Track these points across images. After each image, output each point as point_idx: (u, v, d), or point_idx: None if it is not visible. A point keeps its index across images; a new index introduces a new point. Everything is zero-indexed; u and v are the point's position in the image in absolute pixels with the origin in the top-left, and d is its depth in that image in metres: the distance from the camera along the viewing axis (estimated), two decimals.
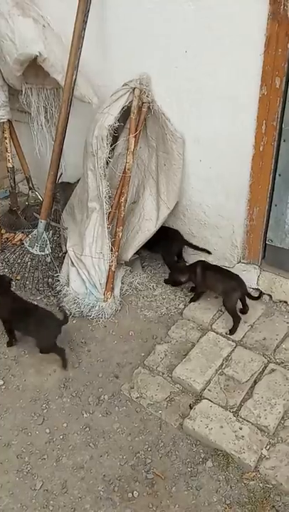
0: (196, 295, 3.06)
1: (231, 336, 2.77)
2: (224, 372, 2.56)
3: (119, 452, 2.28)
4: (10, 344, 2.86)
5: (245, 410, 2.36)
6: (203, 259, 3.13)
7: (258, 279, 3.03)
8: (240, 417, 2.33)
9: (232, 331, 2.79)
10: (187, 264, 3.24)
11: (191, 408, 2.42)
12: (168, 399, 2.50)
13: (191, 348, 2.73)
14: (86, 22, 2.79)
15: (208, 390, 2.48)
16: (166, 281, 3.23)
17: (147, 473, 2.19)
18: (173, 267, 3.23)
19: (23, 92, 3.27)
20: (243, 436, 2.24)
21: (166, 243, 3.23)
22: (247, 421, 2.31)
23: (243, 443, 2.22)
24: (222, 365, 2.61)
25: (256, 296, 2.94)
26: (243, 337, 2.77)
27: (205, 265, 2.99)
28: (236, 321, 2.80)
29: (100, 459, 2.26)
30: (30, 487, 2.14)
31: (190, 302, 3.06)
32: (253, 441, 2.23)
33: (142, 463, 2.24)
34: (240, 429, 2.27)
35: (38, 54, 2.85)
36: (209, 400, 2.42)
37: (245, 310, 2.89)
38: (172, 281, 3.16)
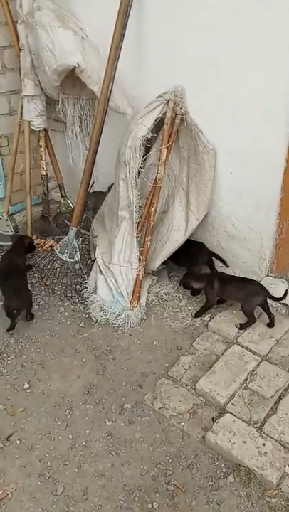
0: (203, 308, 3.06)
1: (257, 350, 2.75)
2: (249, 386, 2.53)
3: (141, 462, 2.28)
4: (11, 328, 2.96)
5: (268, 426, 2.33)
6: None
7: (285, 294, 2.99)
8: (264, 433, 2.30)
9: (242, 326, 2.88)
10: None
11: (214, 421, 2.40)
12: (191, 411, 2.49)
13: (215, 361, 2.71)
14: (124, 35, 2.85)
15: (232, 404, 2.46)
16: (179, 282, 3.23)
17: (168, 485, 2.18)
18: (189, 270, 3.17)
19: (60, 101, 3.36)
20: (266, 453, 2.21)
21: (191, 256, 3.21)
22: (270, 437, 2.28)
23: (265, 459, 2.18)
24: (247, 379, 2.58)
25: (280, 297, 2.93)
26: (269, 352, 2.74)
27: (221, 277, 3.03)
28: (252, 322, 2.88)
29: (121, 467, 2.26)
30: (51, 492, 2.16)
31: (195, 317, 3.06)
32: (276, 458, 2.19)
33: (163, 474, 2.23)
34: (264, 445, 2.24)
35: (76, 65, 2.92)
36: (233, 414, 2.40)
37: (271, 320, 2.89)
38: (184, 284, 3.15)
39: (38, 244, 3.62)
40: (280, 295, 2.95)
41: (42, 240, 3.67)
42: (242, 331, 2.87)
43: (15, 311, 2.96)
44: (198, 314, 3.06)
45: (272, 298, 2.90)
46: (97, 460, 2.29)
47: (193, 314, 3.09)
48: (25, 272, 3.30)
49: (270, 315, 2.89)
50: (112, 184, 3.41)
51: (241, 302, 2.91)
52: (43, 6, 3.03)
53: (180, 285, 3.20)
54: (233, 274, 3.19)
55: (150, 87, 2.98)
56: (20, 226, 3.93)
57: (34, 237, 3.72)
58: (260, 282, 2.95)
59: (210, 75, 2.74)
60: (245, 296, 2.87)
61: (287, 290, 2.94)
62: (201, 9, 2.63)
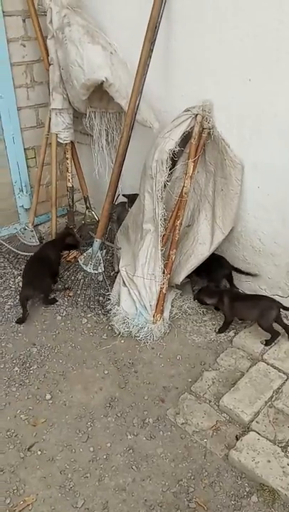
0: (225, 324, 3.04)
1: (283, 368, 2.69)
2: (274, 404, 2.48)
3: (162, 478, 2.25)
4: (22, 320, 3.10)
5: None
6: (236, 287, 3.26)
7: None
8: None
9: (268, 342, 2.86)
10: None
11: (237, 439, 2.35)
12: (214, 428, 2.45)
13: (240, 378, 2.67)
14: (152, 50, 2.88)
15: (257, 422, 2.41)
16: (194, 297, 3.24)
17: (189, 502, 2.14)
18: (204, 287, 3.18)
19: (87, 115, 3.40)
20: None
21: (212, 270, 3.21)
22: None
23: None
24: (272, 397, 2.53)
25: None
26: None
27: (232, 295, 3.02)
28: (275, 336, 2.86)
29: (142, 482, 2.23)
30: (71, 504, 2.14)
31: (218, 332, 3.04)
32: None
33: (185, 491, 2.19)
34: None
35: (104, 79, 2.96)
36: (257, 433, 2.35)
37: (288, 331, 2.88)
38: (198, 299, 3.16)
39: (62, 255, 3.64)
40: None
41: (66, 252, 3.69)
42: (267, 348, 2.83)
43: (27, 301, 3.12)
44: (221, 330, 3.03)
45: (285, 308, 2.88)
46: (118, 474, 2.27)
47: (216, 329, 3.06)
48: (53, 264, 3.40)
49: (285, 327, 2.87)
50: (131, 194, 3.44)
51: (258, 320, 2.88)
52: (73, 21, 3.09)
53: (194, 300, 3.21)
54: (245, 293, 3.24)
55: (177, 101, 3.01)
56: (44, 237, 3.97)
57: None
58: (270, 296, 3.02)
59: (238, 89, 2.74)
60: (260, 313, 2.85)
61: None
62: (228, 25, 2.64)
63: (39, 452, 2.37)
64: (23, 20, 3.43)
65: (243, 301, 3.01)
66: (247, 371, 2.71)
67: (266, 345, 2.85)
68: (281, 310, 2.87)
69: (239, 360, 2.82)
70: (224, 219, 2.99)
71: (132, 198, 3.42)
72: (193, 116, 2.84)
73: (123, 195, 3.52)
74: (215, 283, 3.21)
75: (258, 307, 2.87)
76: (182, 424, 2.48)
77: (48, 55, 3.36)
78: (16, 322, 3.11)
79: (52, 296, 3.34)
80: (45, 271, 3.27)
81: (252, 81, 2.67)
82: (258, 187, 2.90)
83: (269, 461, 2.20)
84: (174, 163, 3.00)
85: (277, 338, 2.89)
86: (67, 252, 3.66)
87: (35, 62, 3.60)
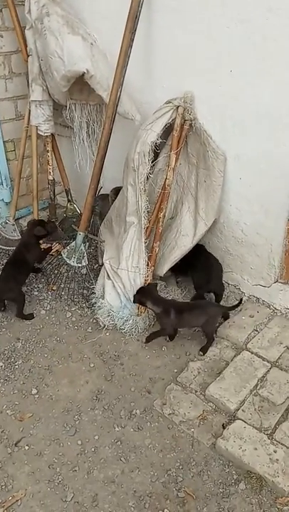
0: (156, 334, 2.92)
1: (266, 357, 2.74)
2: (259, 393, 2.52)
3: (151, 468, 2.27)
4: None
5: (280, 433, 2.31)
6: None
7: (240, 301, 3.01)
8: (275, 440, 2.29)
9: (204, 349, 2.84)
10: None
11: (224, 428, 2.38)
12: (201, 417, 2.48)
13: (225, 367, 2.70)
14: (133, 41, 2.85)
15: (242, 410, 2.44)
16: (133, 299, 2.95)
17: (178, 492, 2.16)
18: (144, 288, 2.95)
19: (68, 107, 3.36)
20: (277, 460, 2.19)
21: (202, 276, 3.14)
22: (282, 444, 2.27)
23: (277, 466, 2.17)
24: (257, 385, 2.57)
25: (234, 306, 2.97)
26: (279, 358, 2.73)
27: (178, 308, 2.85)
28: (211, 342, 2.86)
29: (131, 474, 2.25)
30: (61, 498, 2.14)
31: (146, 342, 2.91)
32: (287, 465, 2.18)
33: (173, 481, 2.21)
34: (275, 452, 2.23)
35: (85, 71, 2.92)
36: (243, 421, 2.39)
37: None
38: (139, 302, 2.93)
39: (45, 248, 3.60)
40: None
41: (48, 245, 3.65)
42: (252, 337, 2.86)
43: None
44: (148, 339, 2.90)
45: (229, 308, 2.97)
46: (106, 466, 2.28)
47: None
48: (29, 264, 3.27)
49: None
50: (115, 188, 3.42)
51: (203, 326, 2.84)
52: (52, 11, 3.04)
53: (133, 302, 2.94)
54: (186, 301, 3.18)
55: (159, 93, 3.00)
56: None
57: (41, 241, 3.68)
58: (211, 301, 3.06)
59: (220, 81, 2.74)
60: (207, 320, 2.81)
61: (241, 298, 3.08)
62: (211, 16, 2.64)
63: (27, 447, 2.36)
64: (0, 10, 3.35)
65: (190, 311, 2.88)
66: (232, 360, 2.75)
67: (204, 353, 2.82)
68: None
69: (224, 349, 2.85)
70: (207, 210, 3.01)
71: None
72: (175, 108, 2.83)
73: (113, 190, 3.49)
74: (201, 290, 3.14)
75: (205, 314, 2.81)
76: (169, 414, 2.50)
77: (26, 46, 3.30)
78: None
79: (35, 293, 3.33)
80: (18, 278, 3.15)
81: (233, 72, 2.67)
82: (240, 178, 2.92)
83: (256, 449, 2.24)
84: (156, 155, 2.99)
85: (261, 327, 2.93)
86: (45, 244, 3.55)
87: (13, 53, 3.52)
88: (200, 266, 3.15)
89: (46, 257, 3.43)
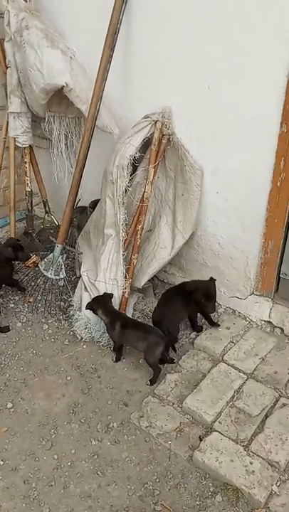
0: (116, 351, 2.92)
1: (243, 368, 2.76)
2: (235, 404, 2.54)
3: (128, 482, 2.26)
4: None
5: (256, 445, 2.33)
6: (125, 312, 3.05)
7: (270, 312, 3.03)
8: (251, 452, 2.30)
9: (152, 381, 2.74)
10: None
11: (201, 440, 2.39)
12: (178, 429, 2.48)
13: (202, 379, 2.71)
14: (112, 56, 2.89)
15: (219, 422, 2.46)
16: (86, 305, 2.94)
17: (155, 505, 2.16)
18: (99, 297, 2.94)
19: (46, 119, 3.37)
20: (253, 471, 2.21)
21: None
22: (258, 455, 2.28)
23: (253, 478, 2.19)
24: (233, 397, 2.59)
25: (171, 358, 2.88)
26: (255, 370, 2.76)
27: (125, 321, 2.83)
28: (158, 372, 2.74)
29: (107, 487, 2.23)
30: None
31: (116, 361, 2.90)
32: (263, 476, 2.19)
33: (150, 494, 2.20)
34: (251, 463, 2.25)
35: (64, 85, 2.94)
36: (220, 433, 2.40)
37: (167, 362, 2.83)
38: (91, 309, 2.91)
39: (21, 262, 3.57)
40: (265, 314, 3.00)
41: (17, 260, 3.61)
42: (228, 349, 2.89)
43: None
44: (117, 358, 2.91)
45: (172, 343, 2.90)
46: (83, 481, 2.26)
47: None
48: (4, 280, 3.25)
49: (166, 358, 2.82)
50: (94, 201, 3.43)
51: (144, 353, 2.74)
52: (31, 25, 3.06)
53: (86, 308, 2.93)
54: (138, 321, 3.05)
55: (137, 107, 3.03)
56: (2, 241, 3.88)
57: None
58: (158, 330, 2.80)
59: (197, 97, 2.79)
60: (147, 347, 2.70)
61: (217, 321, 3.10)
62: (189, 33, 2.69)
63: (1, 462, 2.33)
64: None
65: (134, 330, 2.79)
66: (208, 372, 2.76)
67: (151, 384, 2.73)
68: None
69: (201, 361, 2.86)
70: (185, 224, 3.04)
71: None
72: (153, 122, 2.87)
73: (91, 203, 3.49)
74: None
75: (146, 340, 2.71)
76: (146, 427, 2.50)
77: (5, 58, 3.31)
78: None
79: (11, 305, 3.30)
80: None
81: (211, 88, 2.73)
82: (217, 192, 2.97)
83: (232, 461, 2.25)
84: (134, 168, 3.02)
85: (237, 339, 2.96)
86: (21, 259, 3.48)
87: None
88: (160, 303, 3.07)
89: (11, 274, 3.36)
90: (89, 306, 2.89)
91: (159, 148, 2.93)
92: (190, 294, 2.93)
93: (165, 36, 2.80)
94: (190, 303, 2.95)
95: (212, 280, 2.99)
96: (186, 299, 2.94)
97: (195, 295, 2.91)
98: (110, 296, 2.95)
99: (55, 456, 2.36)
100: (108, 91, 2.99)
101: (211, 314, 3.07)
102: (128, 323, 2.84)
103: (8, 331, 3.10)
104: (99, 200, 3.17)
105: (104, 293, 2.96)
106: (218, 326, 3.06)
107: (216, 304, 3.11)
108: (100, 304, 2.88)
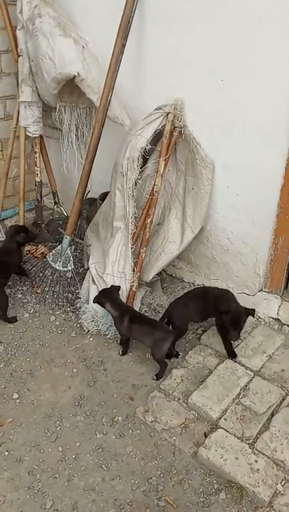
0: (123, 345, 2.92)
1: (249, 366, 2.74)
2: (241, 402, 2.53)
3: (132, 476, 2.25)
4: None
5: (261, 443, 2.32)
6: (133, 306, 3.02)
7: (278, 309, 3.01)
8: (256, 450, 2.29)
9: (158, 376, 2.73)
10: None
11: (206, 436, 2.38)
12: (183, 425, 2.47)
13: (208, 375, 2.70)
14: (125, 46, 2.85)
15: (225, 419, 2.45)
16: (94, 299, 2.92)
17: (159, 501, 2.15)
18: (106, 290, 2.91)
19: (57, 109, 3.34)
20: (258, 470, 2.20)
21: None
22: (263, 454, 2.27)
23: (258, 476, 2.17)
24: (239, 394, 2.58)
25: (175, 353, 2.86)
26: (262, 367, 2.74)
27: (132, 316, 2.80)
28: (164, 367, 2.73)
29: (111, 481, 2.23)
30: (40, 506, 2.12)
31: (122, 355, 2.90)
32: (268, 475, 2.18)
33: (154, 489, 2.20)
34: (256, 461, 2.23)
35: (76, 74, 2.91)
36: (225, 430, 2.39)
37: (172, 354, 2.82)
38: (98, 303, 2.89)
39: (30, 250, 3.57)
40: (273, 311, 2.97)
41: (33, 247, 3.63)
42: (235, 346, 2.87)
43: None
44: (123, 351, 2.91)
45: (174, 341, 2.82)
46: (87, 474, 2.26)
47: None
48: (8, 269, 3.23)
49: (172, 352, 2.80)
50: (104, 193, 3.41)
51: (151, 348, 2.73)
52: (44, 13, 3.02)
53: (93, 302, 2.90)
54: (146, 316, 2.97)
55: (149, 99, 3.00)
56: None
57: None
58: (165, 325, 2.84)
59: (210, 89, 2.75)
60: (154, 342, 2.68)
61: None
62: (203, 25, 2.64)
63: (6, 453, 2.33)
64: None
65: (141, 324, 2.76)
66: (215, 368, 2.75)
67: (156, 379, 2.72)
68: None
69: (207, 357, 2.85)
70: (195, 218, 3.01)
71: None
72: (165, 114, 2.83)
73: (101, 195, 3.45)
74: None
75: (153, 335, 2.69)
76: (151, 422, 2.49)
77: (17, 46, 3.28)
78: None
79: (18, 296, 3.30)
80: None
81: (224, 82, 2.69)
82: (227, 187, 2.93)
83: (237, 458, 2.24)
84: (145, 161, 2.99)
85: (245, 336, 2.94)
86: (31, 246, 3.54)
87: (3, 53, 3.50)
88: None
89: (22, 262, 3.38)
90: (96, 300, 2.88)
91: (170, 140, 2.89)
92: (218, 309, 2.79)
93: (178, 27, 2.75)
94: (211, 314, 2.88)
95: (246, 310, 2.78)
96: (210, 306, 2.85)
97: (224, 316, 2.74)
98: (117, 289, 2.93)
99: (60, 448, 2.36)
100: (120, 82, 2.95)
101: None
102: (136, 317, 2.82)
103: (16, 321, 3.11)
104: (109, 192, 3.14)
105: (112, 286, 2.94)
106: (236, 356, 2.79)
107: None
108: (108, 297, 2.87)
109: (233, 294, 2.89)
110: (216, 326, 2.91)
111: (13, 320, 3.09)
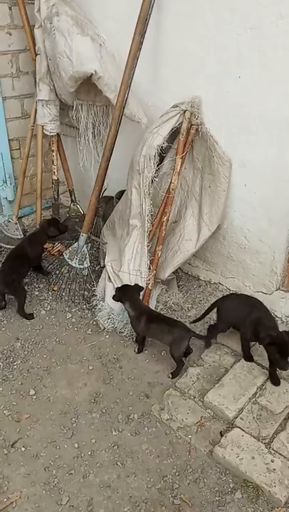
0: (139, 342, 2.91)
1: (266, 365, 2.71)
2: (258, 401, 2.51)
3: (147, 474, 2.26)
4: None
5: (277, 442, 2.30)
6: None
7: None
8: (273, 449, 2.27)
9: (175, 374, 2.72)
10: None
11: (222, 435, 2.37)
12: (198, 424, 2.46)
13: (224, 374, 2.69)
14: (142, 43, 2.84)
15: (241, 418, 2.43)
16: (113, 296, 2.92)
17: (174, 499, 2.15)
18: (123, 287, 2.92)
19: (74, 107, 3.35)
20: (274, 470, 2.18)
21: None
22: (279, 454, 2.25)
23: (274, 476, 2.16)
24: (255, 393, 2.56)
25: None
26: None
27: (150, 317, 2.79)
28: (181, 366, 2.73)
29: (127, 479, 2.24)
30: (56, 501, 2.13)
31: (138, 352, 2.89)
32: (284, 475, 2.16)
33: (170, 487, 2.20)
34: (272, 461, 2.22)
35: (93, 72, 2.91)
36: (241, 429, 2.37)
37: (189, 352, 2.81)
38: (119, 299, 2.90)
39: (47, 248, 3.60)
40: None
41: (50, 245, 3.65)
42: (251, 345, 2.84)
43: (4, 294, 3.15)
44: (138, 349, 2.90)
45: (198, 336, 2.78)
46: (102, 470, 2.27)
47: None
48: (31, 261, 3.29)
49: (190, 352, 2.81)
50: (120, 191, 3.41)
51: (170, 347, 2.71)
52: (62, 11, 3.03)
53: (113, 298, 2.92)
54: (163, 315, 2.94)
55: (166, 96, 2.99)
56: (28, 230, 3.92)
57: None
58: (184, 324, 2.80)
59: (227, 87, 2.74)
60: (173, 341, 2.68)
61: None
62: (221, 22, 2.63)
63: (23, 448, 2.35)
64: (10, 8, 3.35)
65: (158, 324, 2.76)
66: (231, 367, 2.73)
67: (172, 377, 2.71)
68: None
69: (223, 356, 2.84)
70: (211, 216, 3.00)
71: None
72: (182, 112, 2.82)
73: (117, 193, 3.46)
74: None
75: (171, 334, 2.68)
76: (167, 420, 2.49)
77: (34, 45, 3.30)
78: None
79: (35, 293, 3.33)
80: (19, 271, 3.16)
81: (241, 79, 2.66)
82: (245, 185, 2.91)
83: (253, 458, 2.23)
84: (161, 158, 2.99)
85: None
86: (48, 244, 3.58)
87: (21, 52, 3.53)
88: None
89: (42, 254, 3.44)
90: (117, 298, 2.88)
91: (187, 138, 2.88)
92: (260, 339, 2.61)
93: (196, 25, 2.74)
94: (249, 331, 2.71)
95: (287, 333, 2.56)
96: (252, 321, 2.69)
97: (270, 347, 2.55)
98: (139, 289, 2.92)
99: (76, 445, 2.38)
100: (137, 79, 2.95)
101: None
102: (153, 317, 2.82)
103: (33, 318, 3.13)
104: (125, 190, 3.15)
105: (136, 284, 2.94)
106: (279, 384, 2.62)
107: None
108: (128, 296, 2.86)
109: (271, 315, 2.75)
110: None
111: (29, 317, 3.12)
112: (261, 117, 2.67)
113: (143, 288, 2.95)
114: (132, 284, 2.95)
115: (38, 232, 3.37)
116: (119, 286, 2.94)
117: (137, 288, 2.91)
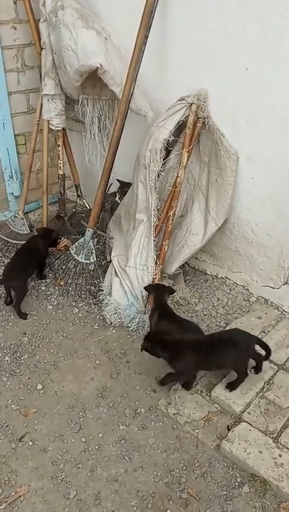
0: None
1: (274, 359, 2.70)
2: (265, 396, 2.50)
3: (154, 468, 2.26)
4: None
5: (285, 437, 2.29)
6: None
7: None
8: (280, 444, 2.27)
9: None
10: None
11: (229, 430, 2.37)
12: (206, 418, 2.46)
13: None
14: (147, 37, 2.82)
15: (248, 412, 2.42)
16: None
17: (182, 493, 2.15)
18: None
19: (80, 101, 3.34)
20: (282, 464, 2.17)
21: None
22: (287, 448, 2.24)
23: (282, 471, 2.15)
24: (263, 388, 2.55)
25: None
26: (286, 361, 2.70)
27: (170, 320, 2.72)
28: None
29: (134, 473, 2.24)
30: (64, 495, 2.14)
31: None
32: None
33: (177, 481, 2.20)
34: (280, 456, 2.21)
35: (99, 66, 2.90)
36: (248, 423, 2.37)
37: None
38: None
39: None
40: None
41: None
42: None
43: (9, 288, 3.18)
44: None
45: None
46: (110, 464, 2.27)
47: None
48: (38, 260, 3.33)
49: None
50: (119, 188, 3.40)
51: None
52: (67, 5, 3.01)
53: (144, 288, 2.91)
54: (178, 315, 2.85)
55: (172, 90, 2.97)
56: (34, 225, 3.92)
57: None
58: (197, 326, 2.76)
59: (234, 79, 2.71)
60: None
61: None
62: (228, 13, 2.60)
63: (31, 443, 2.36)
64: (14, 2, 3.34)
65: (176, 326, 2.66)
66: None
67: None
68: None
69: None
70: (218, 210, 2.98)
71: (124, 184, 3.38)
72: (188, 105, 2.80)
73: (117, 179, 3.46)
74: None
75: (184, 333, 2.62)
76: (174, 414, 2.49)
77: (40, 39, 3.29)
78: (5, 302, 3.19)
79: (42, 288, 3.34)
80: (25, 270, 3.18)
81: (249, 71, 2.64)
82: (252, 178, 2.89)
83: (260, 452, 2.22)
84: (167, 152, 2.97)
85: (269, 329, 2.91)
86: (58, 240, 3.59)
87: (26, 46, 3.52)
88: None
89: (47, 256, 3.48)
90: (148, 290, 2.92)
91: (193, 131, 2.87)
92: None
93: (202, 17, 2.71)
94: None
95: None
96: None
97: None
98: (169, 290, 2.91)
99: (83, 439, 2.38)
100: (142, 73, 2.93)
101: None
102: (173, 320, 2.75)
103: (26, 318, 3.08)
104: (127, 182, 3.13)
105: (168, 287, 2.93)
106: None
107: (249, 292, 2.86)
108: (158, 297, 2.84)
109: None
110: None
111: (23, 316, 3.08)
112: (269, 110, 2.64)
113: (175, 291, 2.98)
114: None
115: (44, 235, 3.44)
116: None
117: (168, 289, 2.90)
